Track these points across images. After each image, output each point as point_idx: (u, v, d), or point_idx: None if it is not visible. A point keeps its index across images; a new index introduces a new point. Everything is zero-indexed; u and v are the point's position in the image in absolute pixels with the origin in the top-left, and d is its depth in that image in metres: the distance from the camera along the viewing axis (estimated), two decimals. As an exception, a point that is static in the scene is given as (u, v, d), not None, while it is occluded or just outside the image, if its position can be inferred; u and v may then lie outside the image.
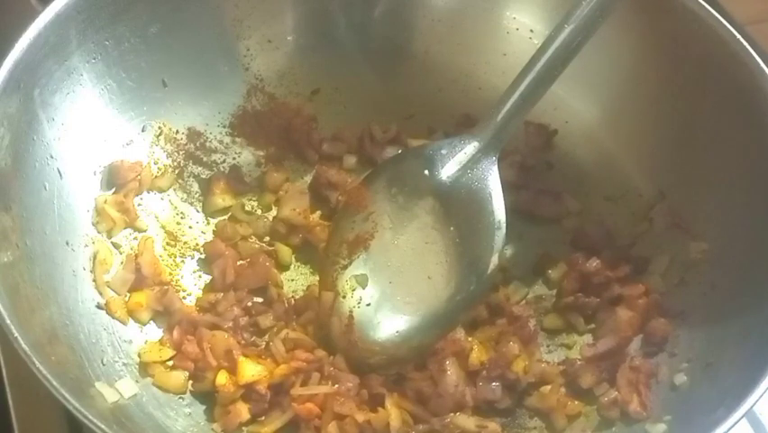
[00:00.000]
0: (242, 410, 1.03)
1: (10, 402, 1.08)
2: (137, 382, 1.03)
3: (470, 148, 1.10)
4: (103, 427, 0.86)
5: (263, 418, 1.05)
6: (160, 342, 1.08)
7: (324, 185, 1.21)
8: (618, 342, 1.10)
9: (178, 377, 1.05)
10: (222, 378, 1.04)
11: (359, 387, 1.06)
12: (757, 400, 0.91)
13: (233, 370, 1.05)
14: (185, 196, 1.20)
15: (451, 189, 1.10)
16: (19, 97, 1.01)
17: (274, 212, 1.21)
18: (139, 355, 1.06)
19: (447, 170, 1.10)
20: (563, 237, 1.21)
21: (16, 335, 0.88)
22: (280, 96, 1.25)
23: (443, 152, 1.11)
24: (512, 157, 1.22)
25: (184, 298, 1.13)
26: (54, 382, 0.87)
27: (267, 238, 1.20)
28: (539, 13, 1.21)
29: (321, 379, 1.05)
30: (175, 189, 1.20)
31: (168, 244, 1.17)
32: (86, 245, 1.09)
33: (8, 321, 0.88)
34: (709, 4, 1.11)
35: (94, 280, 1.08)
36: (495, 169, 1.09)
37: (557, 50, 1.06)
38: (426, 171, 1.11)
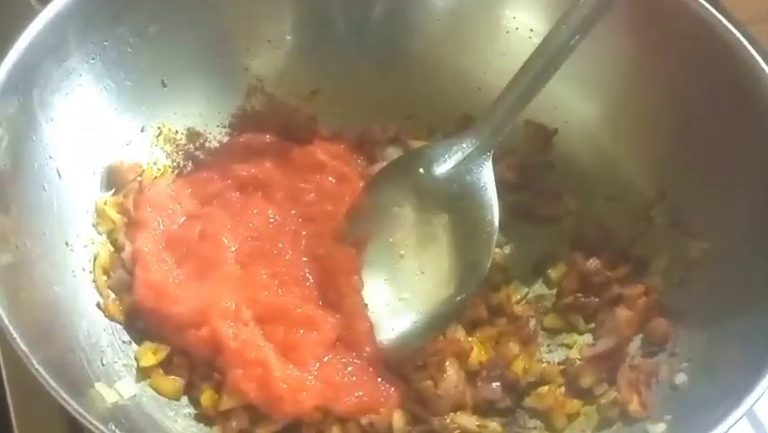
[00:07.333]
0: (242, 414, 1.03)
1: (9, 403, 1.08)
2: (136, 382, 1.03)
3: (467, 147, 1.11)
4: (102, 427, 0.86)
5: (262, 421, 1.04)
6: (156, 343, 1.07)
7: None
8: (618, 342, 1.10)
9: (175, 382, 1.05)
10: (207, 398, 1.04)
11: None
12: (757, 400, 0.91)
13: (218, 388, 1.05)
14: (185, 196, 1.20)
15: (445, 187, 1.11)
16: (18, 98, 1.01)
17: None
18: (136, 359, 1.06)
19: (441, 169, 1.11)
20: (563, 237, 1.21)
21: (15, 335, 0.88)
22: (280, 96, 1.25)
23: (440, 151, 1.12)
24: (512, 157, 1.22)
25: (183, 298, 1.13)
26: (53, 383, 0.86)
27: (267, 238, 1.20)
28: (539, 13, 1.21)
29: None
30: (174, 190, 1.20)
31: (167, 244, 1.17)
32: (86, 246, 1.09)
33: (7, 322, 0.88)
34: (711, 4, 1.10)
35: (93, 281, 1.08)
36: (489, 165, 1.10)
37: (554, 50, 1.07)
38: (421, 170, 1.12)
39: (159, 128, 1.19)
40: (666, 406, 1.04)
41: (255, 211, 1.15)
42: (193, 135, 1.21)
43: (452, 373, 1.07)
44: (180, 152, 1.20)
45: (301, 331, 1.06)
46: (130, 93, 1.15)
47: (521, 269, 1.19)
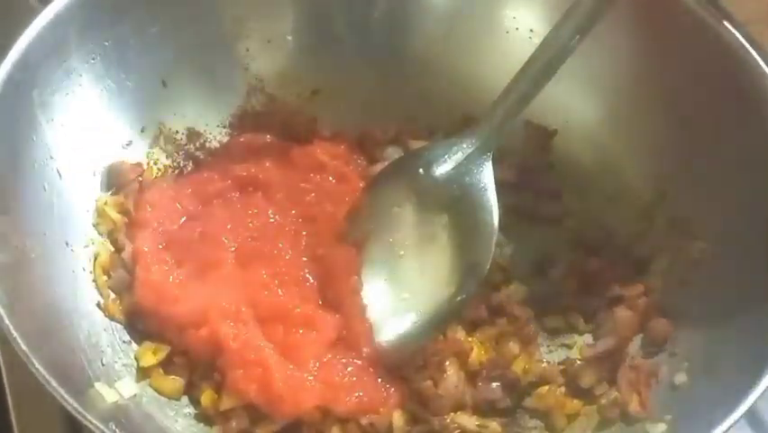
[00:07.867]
0: (242, 414, 1.03)
1: (9, 403, 1.08)
2: (136, 382, 1.03)
3: (467, 148, 1.11)
4: (102, 427, 0.86)
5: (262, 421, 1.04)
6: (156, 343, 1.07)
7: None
8: (618, 342, 1.10)
9: (175, 382, 1.05)
10: (207, 398, 1.04)
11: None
12: (757, 400, 0.91)
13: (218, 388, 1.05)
14: (185, 196, 1.20)
15: (445, 187, 1.11)
16: (18, 98, 1.01)
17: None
18: (136, 359, 1.06)
19: (441, 169, 1.11)
20: (563, 237, 1.21)
21: (15, 335, 0.88)
22: (280, 96, 1.25)
23: (440, 152, 1.12)
24: (512, 157, 1.22)
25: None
26: (53, 383, 0.87)
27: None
28: (539, 13, 1.21)
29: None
30: (175, 190, 1.20)
31: (167, 244, 1.17)
32: (86, 246, 1.09)
33: (7, 322, 0.88)
34: (710, 4, 1.11)
35: (94, 281, 1.08)
36: (489, 165, 1.10)
37: (554, 51, 1.07)
38: (421, 170, 1.12)
39: (159, 128, 1.19)
40: (666, 406, 1.04)
41: (255, 211, 1.15)
42: (193, 135, 1.21)
43: (452, 373, 1.07)
44: (180, 152, 1.20)
45: (301, 331, 1.06)
46: (130, 93, 1.15)
47: (521, 269, 1.19)
